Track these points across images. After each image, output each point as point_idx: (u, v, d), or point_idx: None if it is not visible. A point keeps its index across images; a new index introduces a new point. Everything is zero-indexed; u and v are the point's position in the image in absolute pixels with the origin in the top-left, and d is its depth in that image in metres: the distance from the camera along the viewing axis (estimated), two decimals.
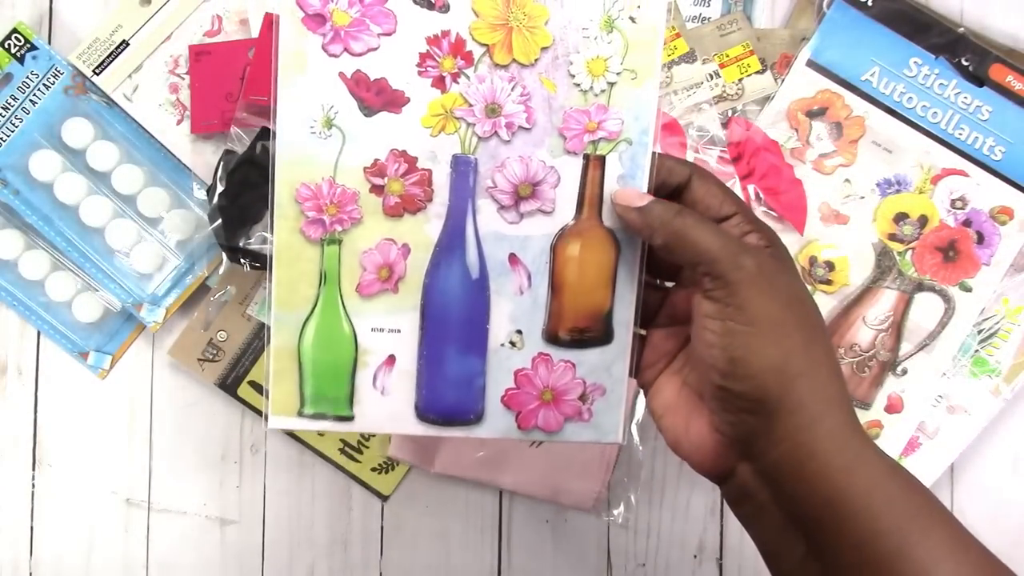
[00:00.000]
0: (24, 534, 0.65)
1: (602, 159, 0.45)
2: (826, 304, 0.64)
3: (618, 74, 0.44)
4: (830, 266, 0.64)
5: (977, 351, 0.64)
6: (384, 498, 0.65)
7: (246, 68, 0.60)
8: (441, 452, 0.63)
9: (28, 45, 0.61)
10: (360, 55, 0.44)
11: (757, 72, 0.63)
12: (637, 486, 0.65)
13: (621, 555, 0.66)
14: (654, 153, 0.44)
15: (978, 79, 0.62)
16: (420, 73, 0.44)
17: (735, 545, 0.66)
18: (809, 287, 0.64)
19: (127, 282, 0.63)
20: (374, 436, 0.65)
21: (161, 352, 0.65)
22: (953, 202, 0.63)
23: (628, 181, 0.45)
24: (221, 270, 0.61)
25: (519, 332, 0.47)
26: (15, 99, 0.61)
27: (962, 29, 0.62)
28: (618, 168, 0.45)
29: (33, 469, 0.65)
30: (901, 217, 0.63)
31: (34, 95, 0.62)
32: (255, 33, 0.61)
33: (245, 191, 0.59)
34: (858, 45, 0.62)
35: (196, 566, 0.65)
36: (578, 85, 0.45)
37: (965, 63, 0.62)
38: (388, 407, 0.47)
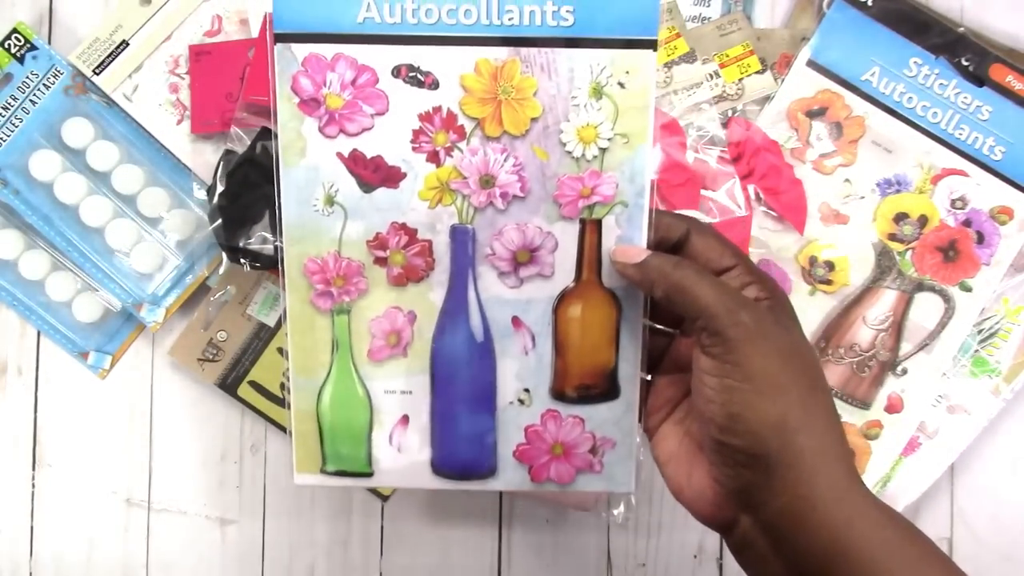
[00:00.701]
0: (24, 534, 0.65)
1: (598, 223, 0.46)
2: (826, 304, 0.64)
3: (609, 140, 0.45)
4: (830, 266, 0.64)
5: (977, 351, 0.64)
6: (384, 498, 0.65)
7: (246, 68, 0.60)
8: None
9: (28, 45, 0.61)
10: (355, 135, 0.46)
11: (757, 72, 0.63)
12: (637, 486, 0.65)
13: (621, 555, 0.66)
14: (651, 211, 0.45)
15: (978, 79, 0.62)
16: (414, 149, 0.46)
17: None
18: (809, 287, 0.64)
19: (127, 282, 0.63)
20: None
21: (161, 352, 0.65)
22: (953, 202, 0.63)
23: (626, 242, 0.45)
24: (221, 270, 0.61)
25: (527, 390, 0.48)
26: (15, 99, 0.61)
27: (962, 29, 0.62)
28: (615, 229, 0.46)
29: (33, 469, 0.65)
30: (901, 217, 0.63)
31: (34, 95, 0.62)
32: (255, 33, 0.61)
33: (245, 191, 0.59)
34: (858, 45, 0.62)
35: (196, 566, 0.65)
36: (570, 152, 0.45)
37: (965, 63, 0.62)
38: (405, 463, 0.49)
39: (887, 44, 0.62)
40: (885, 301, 0.64)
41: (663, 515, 0.66)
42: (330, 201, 0.46)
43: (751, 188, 0.62)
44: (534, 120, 0.45)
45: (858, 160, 0.63)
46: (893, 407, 0.64)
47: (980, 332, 0.64)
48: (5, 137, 0.61)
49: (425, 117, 0.45)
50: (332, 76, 0.45)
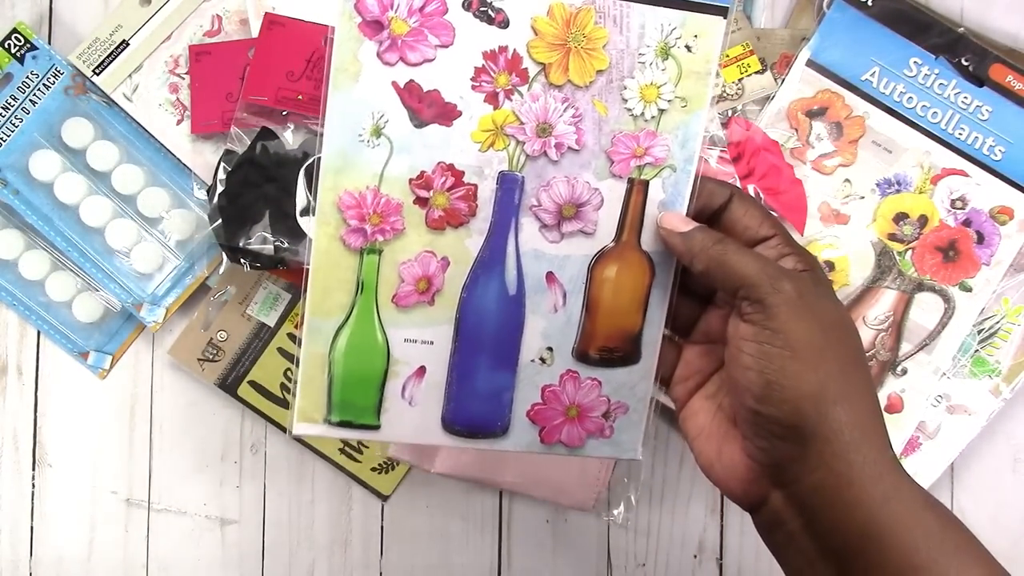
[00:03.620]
0: (24, 534, 0.65)
1: (646, 184, 0.45)
2: None
3: (669, 101, 0.45)
4: (830, 266, 0.64)
5: (977, 351, 0.64)
6: (384, 498, 0.65)
7: (246, 68, 0.60)
8: (441, 452, 0.63)
9: (28, 45, 0.61)
10: (415, 65, 0.44)
11: (757, 72, 0.63)
12: (637, 486, 0.65)
13: (621, 555, 0.66)
14: (697, 178, 0.45)
15: (978, 79, 0.62)
16: (474, 87, 0.44)
17: (735, 545, 0.66)
18: None
19: (127, 282, 0.63)
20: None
21: (161, 352, 0.65)
22: (953, 202, 0.63)
23: (669, 207, 0.45)
24: (221, 270, 0.61)
25: (550, 349, 0.47)
26: (15, 99, 0.61)
27: (962, 29, 0.62)
28: (660, 194, 0.45)
29: (33, 469, 0.65)
30: (901, 217, 0.63)
31: (34, 95, 0.62)
32: (255, 33, 0.61)
33: (245, 191, 0.59)
34: (858, 45, 0.62)
35: (196, 566, 0.65)
36: (630, 110, 0.45)
37: (965, 63, 0.62)
38: (415, 418, 0.47)
39: (887, 44, 0.62)
40: (885, 301, 0.64)
41: (663, 515, 0.66)
42: (377, 132, 0.44)
43: (751, 188, 0.62)
44: (599, 72, 0.44)
45: (858, 160, 0.63)
46: (893, 407, 0.64)
47: (980, 332, 0.64)
48: (5, 137, 0.61)
49: (490, 55, 0.44)
50: (402, 1, 0.43)
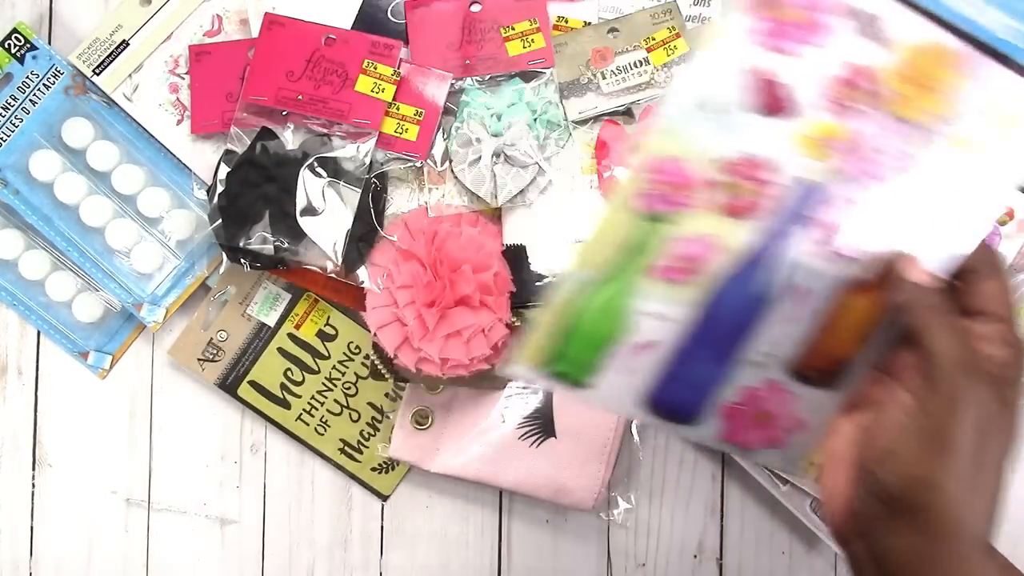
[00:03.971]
0: (24, 534, 0.65)
1: None
2: None
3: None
4: None
5: None
6: (384, 498, 0.65)
7: (246, 68, 0.60)
8: (441, 452, 0.63)
9: (28, 45, 0.61)
10: (782, 54, 0.43)
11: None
12: (637, 486, 0.65)
13: (621, 555, 0.66)
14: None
15: None
16: (823, 94, 0.44)
17: (735, 545, 0.66)
18: None
19: (127, 282, 0.63)
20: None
21: (161, 352, 0.65)
22: None
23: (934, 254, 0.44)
24: (221, 270, 0.61)
25: (770, 354, 0.47)
26: (15, 99, 0.61)
27: None
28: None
29: (33, 469, 0.65)
30: None
31: (34, 95, 0.62)
32: (255, 33, 0.61)
33: (245, 191, 0.59)
34: None
35: (196, 566, 0.65)
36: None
37: None
38: (619, 388, 0.47)
39: None
40: None
41: (663, 515, 0.66)
42: (714, 106, 0.44)
43: None
44: (939, 116, 0.43)
45: None
46: None
47: None
48: (5, 137, 0.61)
49: (853, 69, 0.43)
50: None
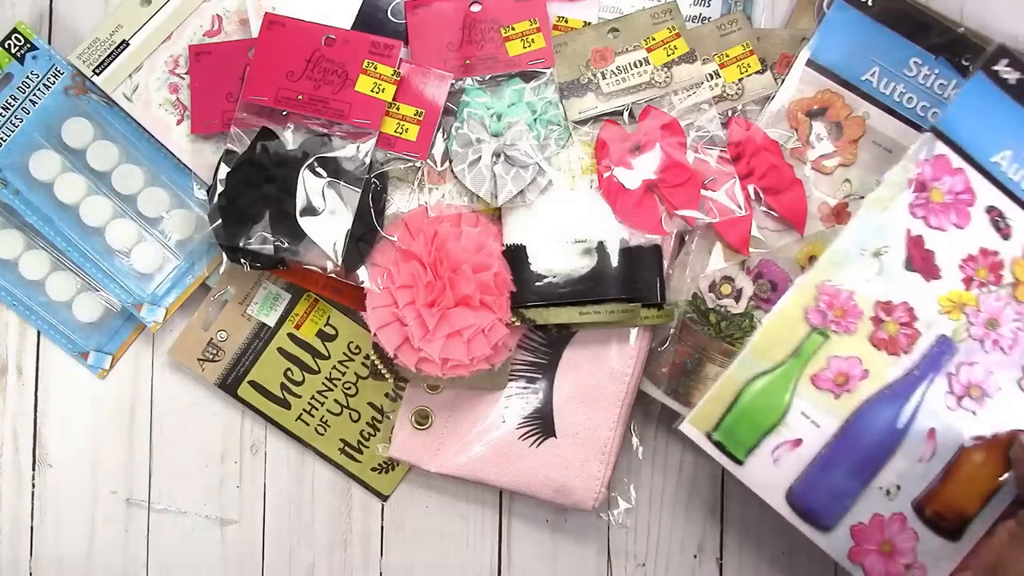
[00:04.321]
0: (24, 534, 0.65)
1: None
2: None
3: None
4: None
5: None
6: (384, 498, 0.65)
7: (246, 68, 0.60)
8: (441, 452, 0.63)
9: (28, 45, 0.61)
10: (930, 227, 0.56)
11: (757, 72, 0.63)
12: (637, 486, 0.65)
13: (621, 555, 0.66)
14: None
15: None
16: (960, 266, 0.56)
17: (735, 545, 0.66)
18: None
19: (127, 282, 0.63)
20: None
21: (161, 352, 0.65)
22: None
23: None
24: (221, 270, 0.61)
25: (898, 487, 0.55)
26: (15, 99, 0.61)
27: (962, 29, 0.62)
28: None
29: (33, 469, 0.65)
30: None
31: (34, 95, 0.62)
32: (255, 33, 0.61)
33: (245, 191, 0.59)
34: (858, 45, 0.62)
35: (196, 566, 0.65)
36: None
37: (965, 63, 0.62)
38: (771, 475, 0.55)
39: (887, 44, 0.62)
40: None
41: (663, 515, 0.66)
42: (876, 255, 0.56)
43: (751, 188, 0.62)
44: None
45: (858, 160, 0.63)
46: None
47: None
48: (5, 137, 0.61)
49: (983, 252, 0.56)
50: (948, 180, 0.56)
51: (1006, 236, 0.56)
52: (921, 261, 0.56)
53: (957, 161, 0.56)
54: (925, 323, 0.56)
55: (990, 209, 0.56)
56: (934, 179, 0.56)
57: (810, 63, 0.63)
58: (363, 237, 0.59)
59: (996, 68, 0.57)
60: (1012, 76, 0.56)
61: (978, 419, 0.55)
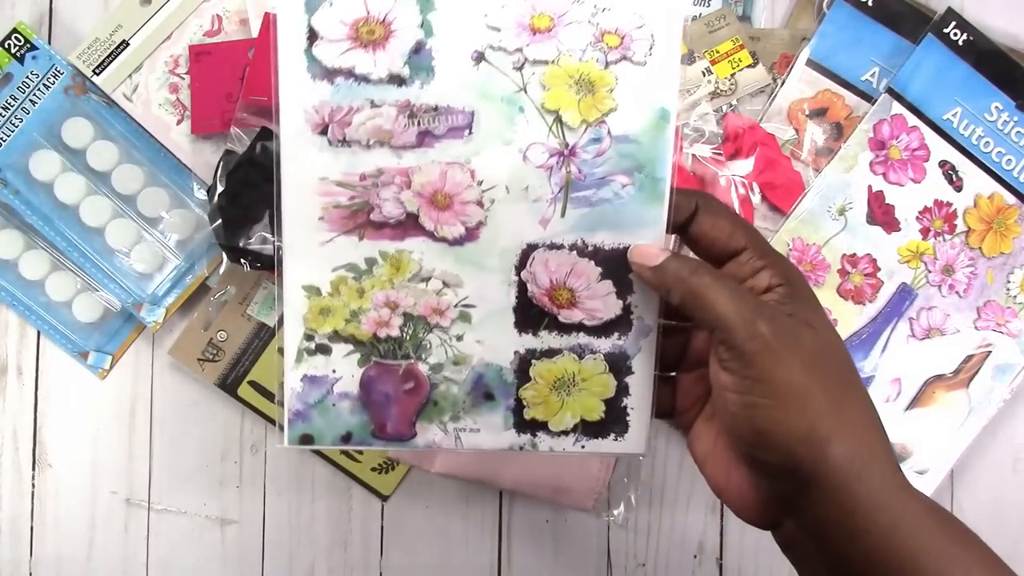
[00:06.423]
0: (24, 534, 0.65)
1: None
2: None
3: None
4: None
5: None
6: (384, 498, 0.65)
7: (246, 68, 0.60)
8: (441, 452, 0.62)
9: (28, 45, 0.61)
10: (891, 183, 0.61)
11: (748, 66, 0.63)
12: (637, 486, 0.65)
13: (621, 555, 0.65)
14: (672, 192, 0.42)
15: None
16: (917, 218, 0.61)
17: (735, 545, 0.66)
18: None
19: (127, 282, 0.63)
20: None
21: (161, 352, 0.65)
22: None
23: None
24: (221, 270, 0.61)
25: None
26: (15, 99, 0.61)
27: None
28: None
29: (33, 469, 0.65)
30: None
31: (34, 95, 0.62)
32: (255, 33, 0.61)
33: (245, 191, 0.59)
34: (858, 45, 0.62)
35: (196, 566, 0.65)
36: (1008, 290, 0.61)
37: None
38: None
39: (888, 44, 0.62)
40: None
41: (663, 515, 0.66)
42: (841, 211, 0.60)
43: (750, 183, 0.62)
44: (1002, 253, 0.61)
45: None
46: None
47: None
48: (5, 137, 0.61)
49: (938, 203, 0.60)
50: (905, 138, 0.60)
51: (958, 188, 0.60)
52: (882, 215, 0.60)
53: (912, 120, 0.60)
54: (887, 272, 0.61)
55: (943, 163, 0.60)
56: (892, 137, 0.60)
57: (810, 63, 0.63)
58: None
59: (946, 31, 0.60)
60: (960, 38, 0.60)
61: (938, 359, 0.60)
